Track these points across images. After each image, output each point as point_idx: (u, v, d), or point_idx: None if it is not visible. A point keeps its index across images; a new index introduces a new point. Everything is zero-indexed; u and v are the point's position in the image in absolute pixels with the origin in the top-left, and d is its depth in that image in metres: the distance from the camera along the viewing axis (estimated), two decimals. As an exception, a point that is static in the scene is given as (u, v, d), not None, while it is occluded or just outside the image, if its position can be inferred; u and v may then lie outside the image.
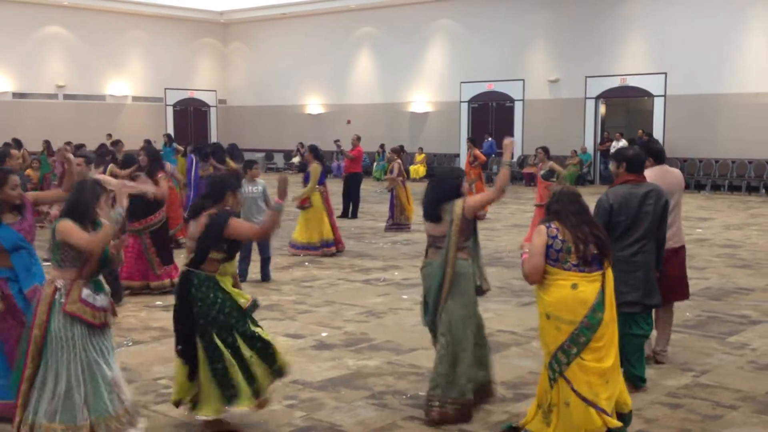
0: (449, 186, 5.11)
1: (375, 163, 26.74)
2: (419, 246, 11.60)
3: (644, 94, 24.04)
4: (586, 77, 24.44)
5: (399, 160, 14.69)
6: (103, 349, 4.48)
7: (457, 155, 26.79)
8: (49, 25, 28.20)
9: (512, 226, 14.95)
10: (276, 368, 4.88)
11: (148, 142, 16.00)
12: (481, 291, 5.19)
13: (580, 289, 4.44)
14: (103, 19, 29.25)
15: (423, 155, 26.79)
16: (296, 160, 29.18)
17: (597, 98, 24.66)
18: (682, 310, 7.61)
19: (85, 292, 4.42)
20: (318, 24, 30.36)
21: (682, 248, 6.29)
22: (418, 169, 26.13)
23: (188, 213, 5.07)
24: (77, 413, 4.33)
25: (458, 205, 5.01)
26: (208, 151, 13.31)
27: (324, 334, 7.29)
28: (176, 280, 7.23)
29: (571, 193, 4.67)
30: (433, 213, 5.09)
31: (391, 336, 7.22)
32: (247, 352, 4.76)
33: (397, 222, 14.25)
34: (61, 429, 4.31)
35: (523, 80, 25.78)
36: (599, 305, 4.44)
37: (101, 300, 4.50)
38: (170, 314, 7.89)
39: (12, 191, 4.94)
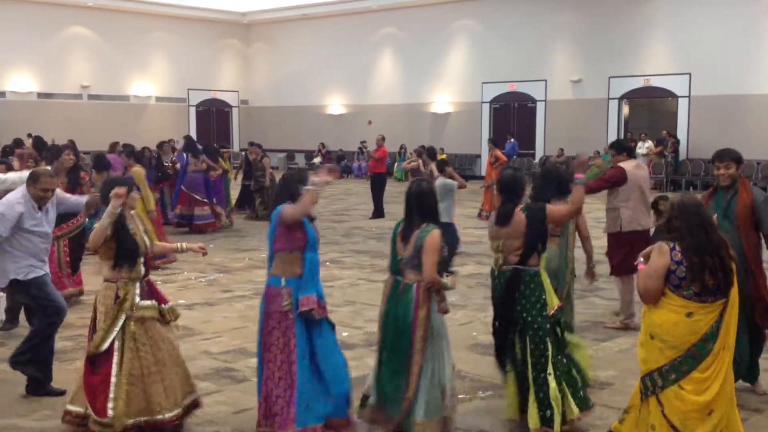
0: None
1: (396, 164, 26.73)
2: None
3: (668, 95, 23.84)
4: (610, 77, 24.28)
5: (420, 160, 14.71)
6: None
7: (479, 156, 26.73)
8: (74, 25, 28.49)
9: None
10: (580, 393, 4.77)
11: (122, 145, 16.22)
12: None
13: (695, 319, 3.98)
14: (127, 20, 29.50)
15: (444, 156, 26.71)
16: (317, 160, 29.27)
17: (620, 99, 24.49)
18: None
19: None
20: (339, 25, 30.42)
21: (647, 231, 7.15)
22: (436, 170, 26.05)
23: (498, 220, 4.87)
24: (444, 404, 4.52)
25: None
26: (200, 148, 13.89)
27: (345, 334, 7.29)
28: (83, 289, 7.71)
29: (691, 204, 4.05)
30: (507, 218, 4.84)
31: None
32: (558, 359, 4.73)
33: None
34: (435, 422, 4.49)
35: (546, 81, 25.66)
36: (712, 335, 3.98)
37: None
38: (193, 313, 8.02)
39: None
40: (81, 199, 6.14)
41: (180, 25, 31.09)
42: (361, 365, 6.35)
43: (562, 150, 24.49)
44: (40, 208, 5.48)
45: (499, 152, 16.63)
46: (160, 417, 4.65)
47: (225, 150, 17.16)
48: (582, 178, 5.00)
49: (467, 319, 7.82)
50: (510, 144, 24.92)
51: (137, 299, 4.73)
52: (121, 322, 4.66)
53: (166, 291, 9.03)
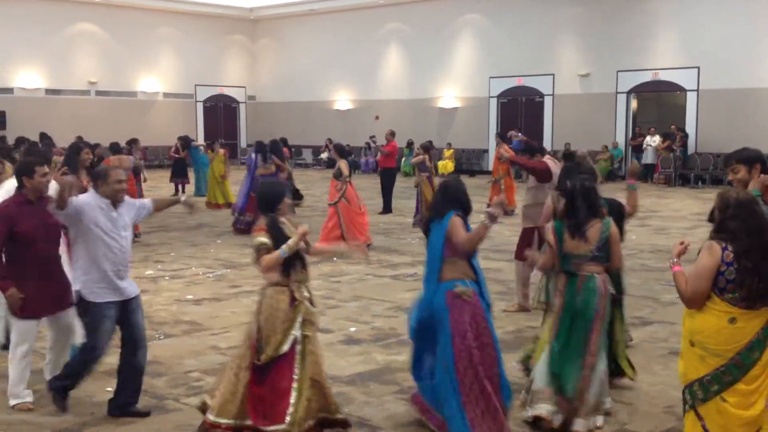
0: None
1: (403, 159, 26.70)
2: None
3: (677, 89, 23.73)
4: (618, 71, 24.18)
5: (426, 156, 14.67)
6: None
7: (486, 151, 26.67)
8: (81, 22, 28.52)
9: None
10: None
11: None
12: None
13: (739, 325, 3.72)
14: (134, 16, 29.52)
15: (451, 151, 26.71)
16: (325, 155, 29.25)
17: (628, 93, 24.38)
18: None
19: None
20: (346, 20, 30.38)
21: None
22: (446, 165, 26.05)
23: (574, 228, 4.96)
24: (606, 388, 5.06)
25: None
26: (269, 150, 13.41)
27: (352, 329, 7.30)
28: None
29: (748, 202, 3.82)
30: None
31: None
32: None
33: (424, 217, 14.21)
34: (608, 402, 5.09)
35: (553, 75, 25.57)
36: (758, 344, 3.71)
37: None
38: (201, 308, 8.03)
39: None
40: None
41: (187, 21, 31.10)
42: (369, 360, 6.35)
43: (569, 145, 24.40)
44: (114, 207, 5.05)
45: (506, 147, 16.54)
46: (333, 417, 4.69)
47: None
48: (634, 184, 5.94)
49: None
50: (517, 139, 24.80)
51: (307, 303, 4.65)
52: (298, 326, 4.57)
53: (174, 287, 9.08)
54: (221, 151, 17.82)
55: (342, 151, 12.23)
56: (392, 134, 16.81)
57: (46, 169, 5.30)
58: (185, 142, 20.38)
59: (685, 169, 22.76)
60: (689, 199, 18.76)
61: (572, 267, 4.94)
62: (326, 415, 4.63)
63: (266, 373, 4.53)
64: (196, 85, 31.69)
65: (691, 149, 22.97)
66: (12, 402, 5.27)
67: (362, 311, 8.04)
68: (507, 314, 7.76)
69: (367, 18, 29.78)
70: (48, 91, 28.04)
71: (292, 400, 4.47)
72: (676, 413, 5.15)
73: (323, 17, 31.05)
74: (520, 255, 7.65)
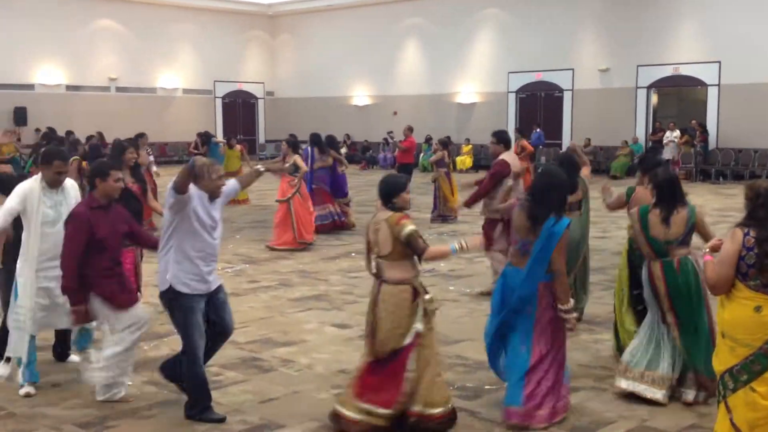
0: None
1: (422, 154, 26.66)
2: (465, 237, 11.52)
3: (697, 84, 23.52)
4: (638, 66, 23.99)
5: (445, 152, 14.64)
6: None
7: (505, 146, 26.54)
8: (101, 18, 28.70)
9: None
10: None
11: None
12: None
13: (765, 313, 3.78)
14: (154, 12, 29.67)
15: (470, 146, 26.65)
16: (343, 151, 29.22)
17: (649, 88, 24.19)
18: None
19: None
20: (364, 15, 30.36)
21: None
22: (464, 161, 26.00)
23: (665, 215, 5.30)
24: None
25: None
26: (326, 142, 13.26)
27: (371, 325, 7.29)
28: None
29: None
30: None
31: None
32: None
33: (442, 213, 14.21)
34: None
35: (573, 70, 25.42)
36: None
37: None
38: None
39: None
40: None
41: (206, 17, 31.20)
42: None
43: (588, 140, 24.28)
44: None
45: (525, 142, 16.51)
46: (431, 411, 4.74)
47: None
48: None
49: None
50: (536, 134, 24.74)
51: (427, 296, 4.80)
52: (420, 319, 4.71)
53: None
54: (238, 147, 17.86)
55: (295, 146, 11.90)
56: (410, 130, 16.78)
57: (120, 173, 5.29)
58: (206, 137, 20.45)
59: (706, 165, 22.56)
60: (710, 195, 18.57)
61: (664, 252, 5.27)
62: (434, 409, 4.75)
63: (384, 364, 4.69)
64: (215, 81, 31.81)
65: (712, 144, 22.76)
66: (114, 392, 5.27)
67: (380, 307, 8.03)
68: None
69: (386, 13, 29.74)
70: (68, 87, 28.24)
71: (405, 390, 4.65)
72: (696, 410, 5.12)
73: (342, 13, 31.05)
74: (489, 246, 7.90)
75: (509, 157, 8.13)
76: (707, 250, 4.08)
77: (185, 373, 5.01)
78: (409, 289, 4.72)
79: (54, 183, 5.47)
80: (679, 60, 23.28)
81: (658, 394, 5.19)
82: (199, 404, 4.99)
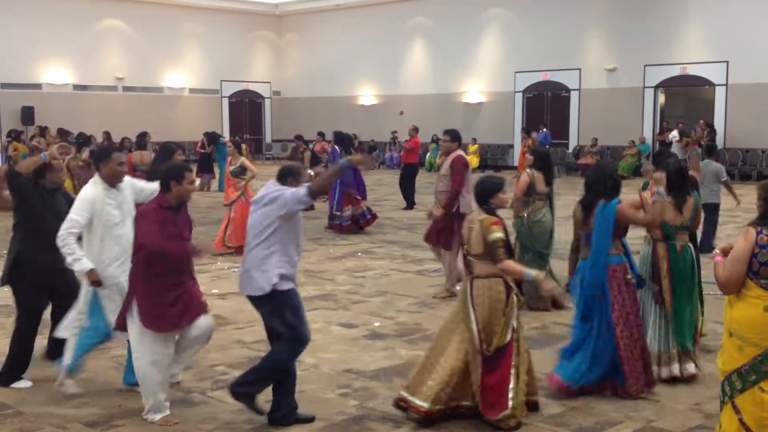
0: None
1: (428, 154, 26.67)
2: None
3: (705, 83, 23.45)
4: (645, 66, 23.92)
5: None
6: None
7: (511, 146, 26.55)
8: (108, 18, 28.77)
9: (566, 217, 14.72)
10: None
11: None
12: None
13: None
14: (160, 11, 29.73)
15: (476, 146, 26.62)
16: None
17: (656, 87, 24.12)
18: None
19: None
20: (371, 15, 30.36)
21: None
22: (471, 160, 25.94)
23: (677, 202, 5.71)
24: None
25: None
26: (352, 141, 13.21)
27: (377, 324, 7.31)
28: None
29: None
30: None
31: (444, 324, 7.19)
32: None
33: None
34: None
35: (579, 69, 25.37)
36: None
37: None
38: (226, 302, 8.08)
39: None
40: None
41: (212, 16, 31.25)
42: (393, 355, 6.36)
43: (596, 140, 24.24)
44: None
45: (532, 141, 16.49)
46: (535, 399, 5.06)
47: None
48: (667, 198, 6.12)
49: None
50: (542, 134, 24.68)
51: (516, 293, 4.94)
52: (515, 315, 4.83)
53: (199, 281, 9.09)
54: (243, 146, 17.86)
55: (240, 147, 11.70)
56: (415, 130, 16.78)
57: (193, 176, 5.11)
58: (213, 137, 20.51)
59: (713, 165, 22.43)
60: (717, 195, 18.47)
61: (672, 236, 5.68)
62: (530, 397, 4.98)
63: (495, 362, 4.79)
64: (221, 81, 31.86)
65: (719, 144, 22.66)
66: (156, 417, 4.99)
67: (386, 306, 8.04)
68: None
69: (392, 13, 29.74)
70: (76, 87, 28.33)
71: (512, 385, 4.76)
72: (703, 411, 5.11)
73: (348, 12, 31.06)
74: (448, 244, 8.15)
75: (462, 152, 8.62)
76: (718, 251, 4.01)
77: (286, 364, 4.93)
78: (502, 282, 4.82)
79: (115, 178, 5.34)
80: (686, 60, 23.21)
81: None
82: (285, 406, 4.92)
